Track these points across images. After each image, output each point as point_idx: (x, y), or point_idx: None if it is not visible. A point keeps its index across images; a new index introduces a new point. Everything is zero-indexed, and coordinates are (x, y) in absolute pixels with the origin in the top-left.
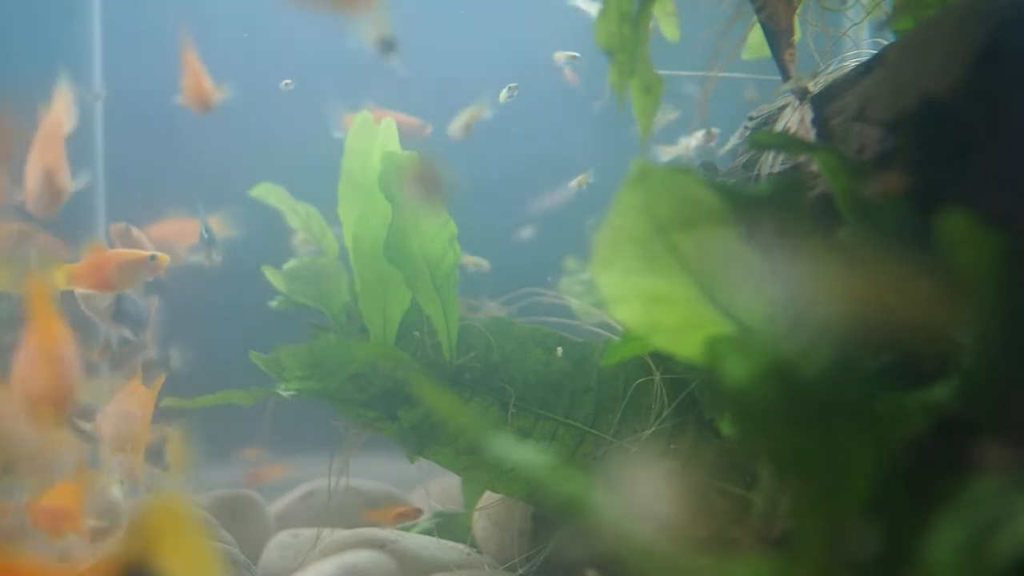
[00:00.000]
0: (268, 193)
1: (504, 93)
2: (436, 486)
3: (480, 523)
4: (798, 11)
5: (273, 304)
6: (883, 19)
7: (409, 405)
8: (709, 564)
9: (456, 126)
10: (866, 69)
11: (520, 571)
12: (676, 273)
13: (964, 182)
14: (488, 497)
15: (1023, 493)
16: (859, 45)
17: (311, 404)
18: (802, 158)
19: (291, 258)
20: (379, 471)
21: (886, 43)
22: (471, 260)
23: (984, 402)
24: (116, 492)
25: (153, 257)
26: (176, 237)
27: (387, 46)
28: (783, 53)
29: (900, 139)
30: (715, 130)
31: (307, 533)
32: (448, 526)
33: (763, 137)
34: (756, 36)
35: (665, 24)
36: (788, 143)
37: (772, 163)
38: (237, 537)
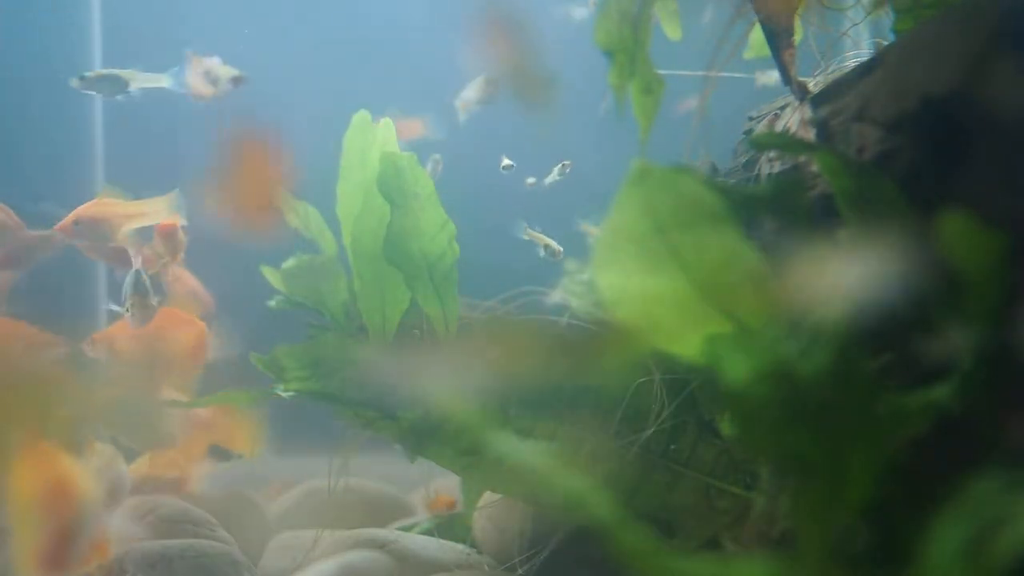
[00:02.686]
0: None
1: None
2: (436, 486)
3: (480, 523)
4: (798, 11)
5: (272, 304)
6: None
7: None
8: (709, 564)
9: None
10: (866, 69)
11: (520, 571)
12: (676, 273)
13: (964, 182)
14: (488, 497)
15: (1023, 493)
16: (859, 45)
17: (311, 404)
18: (802, 158)
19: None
20: (379, 471)
21: (886, 43)
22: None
23: (984, 402)
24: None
25: None
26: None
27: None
28: (783, 53)
29: (900, 139)
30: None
31: (307, 533)
32: (448, 526)
33: (763, 137)
34: (758, 35)
35: (667, 23)
36: (788, 143)
37: (772, 163)
38: (237, 537)
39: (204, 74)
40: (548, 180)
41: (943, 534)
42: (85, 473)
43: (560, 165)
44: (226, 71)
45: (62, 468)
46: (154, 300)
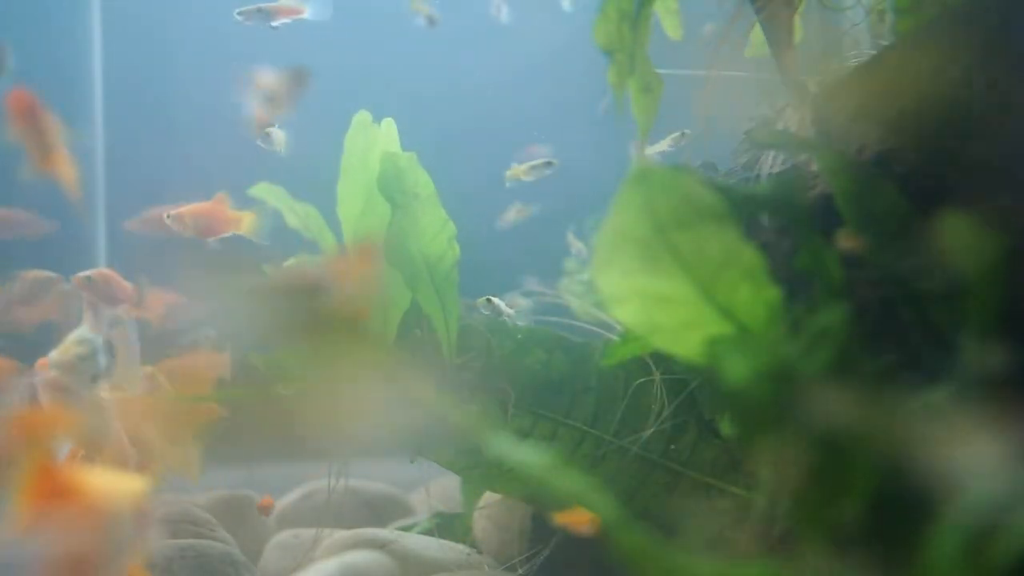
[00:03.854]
0: (267, 193)
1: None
2: (436, 486)
3: (480, 523)
4: (799, 11)
5: None
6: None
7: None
8: (709, 565)
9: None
10: (866, 69)
11: (520, 571)
12: (676, 273)
13: (964, 182)
14: (488, 497)
15: (1023, 493)
16: (859, 45)
17: None
18: (802, 158)
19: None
20: (379, 471)
21: (886, 43)
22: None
23: (984, 402)
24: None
25: None
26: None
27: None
28: (783, 53)
29: (900, 139)
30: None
31: (307, 533)
32: (448, 526)
33: (763, 137)
34: (759, 34)
35: (667, 22)
36: (788, 143)
37: (772, 163)
38: (237, 537)
39: (264, 95)
40: (657, 150)
41: (943, 534)
42: (110, 488)
43: (679, 134)
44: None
45: (80, 485)
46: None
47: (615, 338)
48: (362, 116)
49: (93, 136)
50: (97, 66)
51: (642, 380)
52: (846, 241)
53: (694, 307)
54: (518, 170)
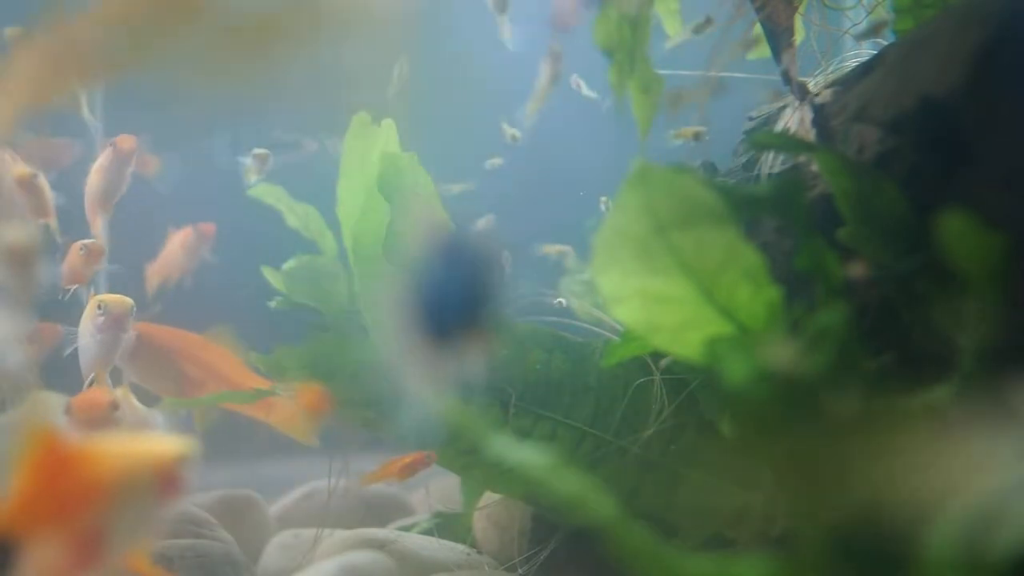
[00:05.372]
0: (266, 193)
1: None
2: (436, 486)
3: (480, 523)
4: (800, 11)
5: (272, 304)
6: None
7: None
8: (709, 564)
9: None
10: (866, 69)
11: (520, 571)
12: (676, 273)
13: (964, 182)
14: (488, 497)
15: (1023, 493)
16: (859, 45)
17: None
18: (802, 158)
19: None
20: None
21: (886, 43)
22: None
23: (983, 402)
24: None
25: None
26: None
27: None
28: (783, 53)
29: (900, 139)
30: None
31: (307, 533)
32: (448, 526)
33: (763, 137)
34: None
35: (668, 23)
36: (788, 143)
37: (772, 163)
38: (237, 537)
39: None
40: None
41: (943, 534)
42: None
43: None
44: None
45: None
46: None
47: (615, 338)
48: (361, 116)
49: (93, 128)
50: None
51: (642, 380)
52: (855, 270)
53: (694, 307)
54: (686, 132)
